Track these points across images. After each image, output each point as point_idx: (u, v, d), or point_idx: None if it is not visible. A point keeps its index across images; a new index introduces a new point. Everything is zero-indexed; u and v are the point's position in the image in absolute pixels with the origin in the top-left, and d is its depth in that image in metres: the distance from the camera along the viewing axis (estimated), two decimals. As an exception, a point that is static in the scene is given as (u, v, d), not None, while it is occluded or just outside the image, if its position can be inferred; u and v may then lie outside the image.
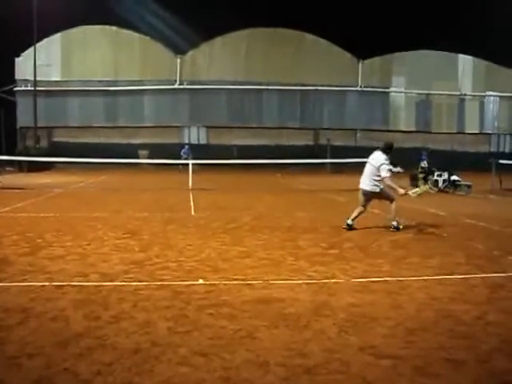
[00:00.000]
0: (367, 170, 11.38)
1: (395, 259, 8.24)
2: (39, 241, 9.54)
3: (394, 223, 11.29)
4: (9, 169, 31.92)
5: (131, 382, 3.85)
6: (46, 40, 43.26)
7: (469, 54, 47.88)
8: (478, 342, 4.70)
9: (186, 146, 36.47)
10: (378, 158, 11.25)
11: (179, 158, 32.02)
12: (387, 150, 11.51)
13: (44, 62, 42.27)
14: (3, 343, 4.58)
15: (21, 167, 33.57)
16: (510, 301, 6.06)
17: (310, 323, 5.15)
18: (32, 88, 40.09)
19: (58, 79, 44.92)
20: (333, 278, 6.97)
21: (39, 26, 37.58)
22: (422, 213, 14.63)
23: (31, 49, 39.68)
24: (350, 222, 11.30)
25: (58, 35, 44.58)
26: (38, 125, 40.06)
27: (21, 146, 40.95)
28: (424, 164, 23.40)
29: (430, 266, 7.76)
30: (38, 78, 39.65)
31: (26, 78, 42.63)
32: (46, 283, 6.51)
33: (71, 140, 42.92)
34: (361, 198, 11.50)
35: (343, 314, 5.46)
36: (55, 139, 44.10)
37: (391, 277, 7.08)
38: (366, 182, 11.34)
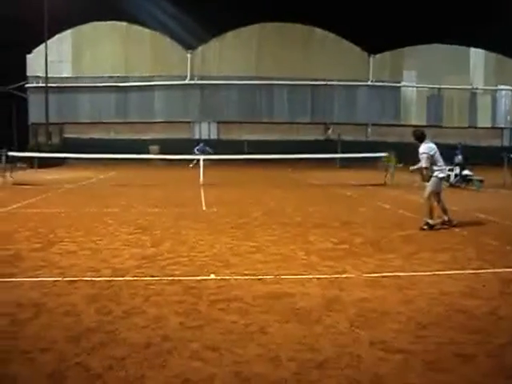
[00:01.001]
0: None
1: (406, 254, 8.22)
2: (51, 236, 9.61)
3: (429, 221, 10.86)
4: (20, 165, 32.04)
5: (143, 376, 3.87)
6: (56, 36, 43.41)
7: (480, 48, 47.56)
8: (489, 337, 4.69)
9: (202, 143, 36.27)
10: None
11: (190, 154, 31.99)
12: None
13: (55, 58, 42.42)
14: (16, 338, 4.62)
15: (32, 163, 33.74)
16: (522, 296, 6.03)
17: (321, 318, 5.15)
18: (43, 84, 40.25)
19: (69, 75, 45.10)
20: (344, 273, 6.97)
21: (50, 23, 37.72)
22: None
23: (42, 45, 39.83)
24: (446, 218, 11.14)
25: (68, 32, 44.75)
26: (50, 121, 40.22)
27: (32, 142, 41.12)
28: (458, 159, 23.20)
29: (441, 261, 7.74)
30: (49, 75, 39.81)
31: (38, 74, 42.84)
32: (58, 278, 6.56)
33: (82, 136, 43.06)
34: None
35: (354, 308, 5.46)
36: (66, 135, 44.24)
37: (402, 272, 7.07)
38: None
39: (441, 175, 11.16)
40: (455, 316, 5.27)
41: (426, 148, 11.00)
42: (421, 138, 11.28)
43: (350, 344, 4.50)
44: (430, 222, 10.69)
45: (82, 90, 44.95)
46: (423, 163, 10.97)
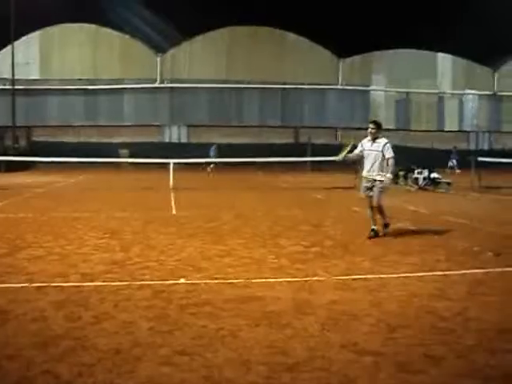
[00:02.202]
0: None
1: (375, 257, 8.28)
2: (18, 241, 9.45)
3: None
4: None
5: (112, 383, 3.82)
6: (24, 38, 42.82)
7: (448, 53, 48.29)
8: (459, 338, 4.73)
9: (214, 146, 35.85)
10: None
11: (159, 157, 31.83)
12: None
13: (22, 60, 41.84)
14: (-18, 345, 4.53)
15: (-1, 167, 33.24)
16: (490, 296, 6.11)
17: (292, 321, 5.15)
18: (10, 87, 39.67)
19: (36, 78, 44.55)
20: (314, 276, 6.99)
21: (17, 24, 37.14)
22: (401, 210, 14.71)
23: (9, 47, 39.24)
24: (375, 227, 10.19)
25: (36, 33, 44.20)
26: (17, 124, 39.67)
27: (-1, 145, 40.51)
28: (453, 163, 23.54)
29: (410, 263, 7.81)
30: (16, 77, 39.25)
31: (4, 76, 42.18)
32: (26, 284, 6.45)
33: (51, 139, 42.58)
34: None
35: (324, 311, 5.47)
36: (34, 138, 43.71)
37: (372, 274, 7.11)
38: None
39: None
40: (425, 318, 5.32)
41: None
42: (380, 128, 10.27)
43: (321, 347, 4.51)
44: (387, 221, 10.30)
45: (51, 93, 44.44)
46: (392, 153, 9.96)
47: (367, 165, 10.12)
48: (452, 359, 4.27)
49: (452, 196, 19.73)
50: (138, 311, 5.45)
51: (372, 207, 10.16)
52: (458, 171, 27.05)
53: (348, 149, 10.75)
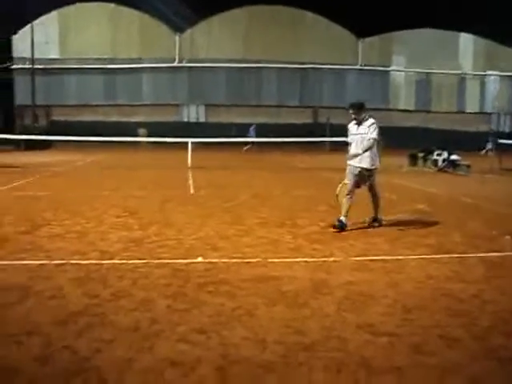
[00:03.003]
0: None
1: (393, 238, 8.27)
2: (37, 219, 9.54)
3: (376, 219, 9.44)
4: (7, 147, 31.82)
5: (131, 359, 3.88)
6: (43, 17, 42.89)
7: (469, 33, 47.58)
8: (474, 320, 4.73)
9: (253, 126, 35.85)
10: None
11: (177, 136, 31.92)
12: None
13: (41, 39, 41.92)
14: (3, 321, 4.61)
15: (19, 146, 33.49)
16: (506, 279, 6.09)
17: (308, 301, 5.18)
18: (29, 66, 39.82)
19: (55, 57, 44.67)
20: (331, 257, 7.00)
21: (36, 3, 37.18)
22: (420, 192, 14.64)
23: (28, 26, 39.33)
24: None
25: (55, 12, 44.23)
26: (36, 103, 39.90)
27: (19, 124, 40.80)
28: (490, 145, 23.44)
29: (427, 245, 7.79)
30: (35, 56, 39.38)
31: (23, 55, 42.32)
32: (45, 261, 6.53)
33: (70, 118, 42.77)
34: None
35: (341, 292, 5.49)
36: (54, 118, 43.95)
37: (389, 255, 7.11)
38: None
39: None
40: (441, 299, 5.32)
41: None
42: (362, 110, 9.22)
43: (337, 327, 4.53)
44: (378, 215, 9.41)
45: (69, 72, 44.58)
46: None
47: (354, 151, 9.06)
48: (467, 341, 4.27)
49: (471, 178, 19.56)
50: (156, 289, 5.50)
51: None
52: (490, 154, 26.77)
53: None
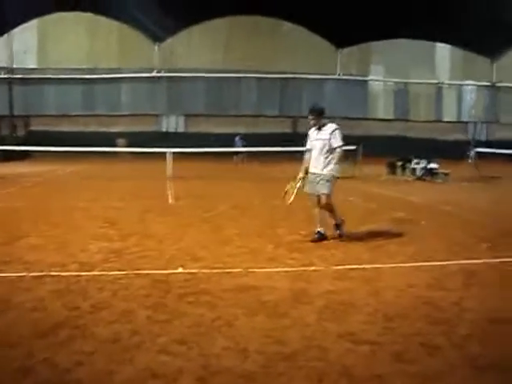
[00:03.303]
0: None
1: (373, 247, 8.31)
2: (16, 231, 9.45)
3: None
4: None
5: (112, 371, 3.86)
6: (21, 27, 42.58)
7: (446, 43, 48.15)
8: (454, 328, 4.78)
9: (238, 136, 35.79)
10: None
11: (156, 147, 31.82)
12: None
13: (20, 49, 41.64)
14: (-19, 334, 4.56)
15: (-3, 156, 33.13)
16: (485, 287, 6.16)
17: (289, 311, 5.18)
18: (8, 76, 39.49)
19: (34, 67, 44.35)
20: (311, 266, 7.02)
21: (14, 13, 36.90)
22: (399, 201, 14.76)
23: (6, 35, 39.02)
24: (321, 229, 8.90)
25: (33, 22, 43.91)
26: (15, 113, 39.56)
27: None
28: (471, 154, 23.77)
29: (407, 254, 7.84)
30: (13, 66, 39.07)
31: (2, 65, 41.98)
32: (24, 273, 6.47)
33: (48, 128, 42.40)
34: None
35: (322, 301, 5.50)
36: (32, 128, 43.56)
37: (369, 264, 7.15)
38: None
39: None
40: (421, 307, 5.36)
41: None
42: (322, 115, 8.90)
43: (318, 336, 4.55)
44: (339, 221, 8.96)
45: (48, 82, 44.22)
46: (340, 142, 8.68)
47: (314, 157, 8.75)
48: (447, 349, 4.31)
49: (450, 186, 19.76)
50: (137, 300, 5.47)
51: (320, 206, 8.77)
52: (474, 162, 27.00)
53: (296, 187, 9.07)
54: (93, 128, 43.27)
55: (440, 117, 49.76)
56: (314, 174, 8.73)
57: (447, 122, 49.49)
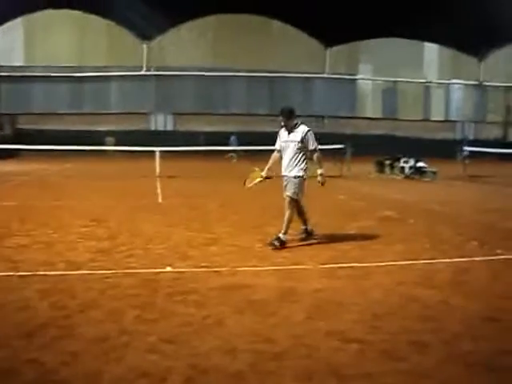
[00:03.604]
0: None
1: (361, 245, 8.33)
2: (2, 230, 9.39)
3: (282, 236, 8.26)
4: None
5: (99, 370, 3.83)
6: (7, 24, 42.31)
7: (434, 42, 48.41)
8: (443, 326, 4.79)
9: (233, 136, 35.83)
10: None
11: (145, 145, 31.74)
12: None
13: (6, 46, 41.38)
14: (-33, 334, 4.51)
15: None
16: (473, 285, 6.18)
17: (277, 309, 5.18)
18: (-6, 73, 39.28)
19: (21, 64, 44.10)
20: (300, 264, 7.02)
21: (0, 10, 36.65)
22: (387, 199, 14.80)
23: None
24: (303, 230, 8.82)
25: (20, 19, 43.68)
26: (1, 111, 39.29)
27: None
28: (464, 153, 23.88)
29: (395, 252, 7.87)
30: (0, 63, 38.81)
31: (-13, 63, 41.73)
32: (11, 273, 6.42)
33: (36, 127, 42.17)
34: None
35: (310, 299, 5.50)
36: (19, 126, 43.30)
37: (357, 262, 7.15)
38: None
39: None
40: (409, 305, 5.37)
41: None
42: (292, 116, 8.49)
43: (306, 335, 4.54)
44: (282, 236, 8.22)
45: (35, 80, 44.00)
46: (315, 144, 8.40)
47: (285, 160, 8.43)
48: (436, 346, 4.32)
49: (438, 185, 19.85)
50: (125, 299, 5.45)
51: (298, 209, 8.53)
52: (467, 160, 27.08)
53: (259, 178, 8.87)
54: (81, 126, 43.08)
55: (428, 116, 50.06)
56: (285, 176, 8.45)
57: (435, 120, 49.76)
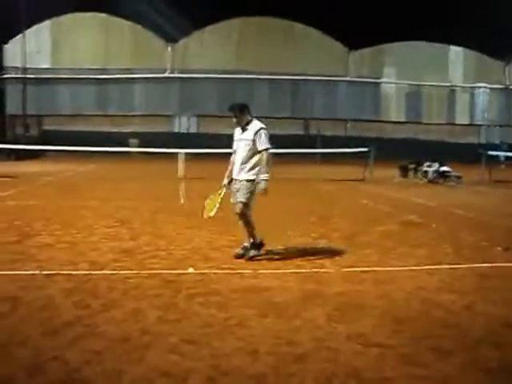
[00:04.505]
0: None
1: (383, 249, 8.28)
2: (28, 229, 9.51)
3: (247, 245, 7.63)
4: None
5: (121, 370, 3.86)
6: (35, 27, 42.89)
7: (459, 46, 47.96)
8: (465, 332, 4.75)
9: None
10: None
11: (168, 147, 31.89)
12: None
13: (33, 49, 41.93)
14: (-8, 331, 4.58)
15: (9, 155, 33.35)
16: (497, 291, 6.11)
17: (299, 312, 5.17)
18: (21, 75, 39.77)
19: (47, 67, 44.64)
20: (322, 268, 7.00)
21: (28, 13, 37.16)
22: (410, 203, 14.70)
23: (20, 35, 39.31)
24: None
25: (47, 22, 44.24)
26: (28, 113, 39.81)
27: (10, 134, 40.65)
28: (501, 156, 23.70)
29: (418, 256, 7.81)
30: (27, 66, 39.34)
31: (15, 65, 42.26)
32: (36, 271, 6.50)
33: (61, 128, 42.66)
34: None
35: (332, 303, 5.49)
36: (45, 127, 43.85)
37: (380, 267, 7.12)
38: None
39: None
40: (432, 311, 5.33)
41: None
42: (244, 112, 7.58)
43: (328, 338, 4.53)
44: (256, 240, 7.64)
45: (61, 82, 44.56)
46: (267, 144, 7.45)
47: (237, 161, 7.57)
48: (457, 353, 4.28)
49: (462, 190, 19.66)
50: (147, 300, 5.48)
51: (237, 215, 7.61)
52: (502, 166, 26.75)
53: (219, 197, 7.79)
54: (105, 128, 43.48)
55: (452, 119, 49.57)
56: (235, 180, 7.59)
57: (460, 124, 49.29)
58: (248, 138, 7.39)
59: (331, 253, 7.97)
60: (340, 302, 5.54)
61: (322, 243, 8.73)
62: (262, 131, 7.37)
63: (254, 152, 7.37)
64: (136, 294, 5.71)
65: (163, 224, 10.43)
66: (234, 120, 7.57)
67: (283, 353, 4.20)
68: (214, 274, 6.59)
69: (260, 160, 7.37)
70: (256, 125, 7.45)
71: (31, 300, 5.42)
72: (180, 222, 10.77)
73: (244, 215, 7.49)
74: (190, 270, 6.74)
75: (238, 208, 7.43)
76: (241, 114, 7.49)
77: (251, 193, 7.44)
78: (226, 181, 7.85)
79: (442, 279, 6.52)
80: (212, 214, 7.67)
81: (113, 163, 31.12)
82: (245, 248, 7.61)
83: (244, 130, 7.51)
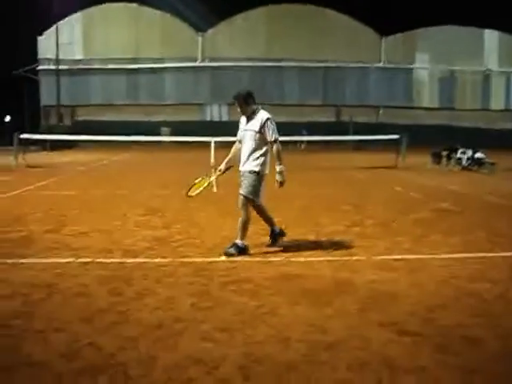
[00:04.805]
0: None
1: (416, 237, 8.22)
2: (63, 218, 9.68)
3: (232, 249, 7.07)
4: (32, 147, 32.20)
5: (155, 356, 3.92)
6: (67, 18, 43.36)
7: (495, 29, 47.02)
8: (498, 320, 4.70)
9: (304, 131, 36.71)
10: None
11: (200, 135, 32.04)
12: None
13: (66, 40, 42.40)
14: (30, 318, 4.68)
15: (44, 146, 33.87)
16: (533, 279, 6.03)
17: (331, 300, 5.17)
18: (55, 67, 40.26)
19: (80, 58, 45.11)
20: (354, 256, 6.98)
21: (61, 5, 37.58)
22: (443, 191, 14.53)
23: (53, 27, 39.78)
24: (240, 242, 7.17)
25: (79, 13, 44.66)
26: (61, 103, 40.32)
27: (44, 124, 41.27)
28: None
29: (452, 244, 7.73)
30: (60, 57, 39.81)
31: (49, 56, 42.83)
32: (71, 259, 6.62)
33: (94, 118, 43.16)
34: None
35: (364, 291, 5.48)
36: (78, 117, 44.39)
37: (412, 254, 7.07)
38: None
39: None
40: (464, 299, 5.28)
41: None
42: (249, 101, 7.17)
43: (360, 326, 4.53)
44: (239, 243, 7.14)
45: (93, 72, 45.02)
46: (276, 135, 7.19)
47: (243, 152, 7.32)
48: (491, 341, 4.24)
49: (496, 177, 19.35)
50: (180, 287, 5.54)
51: (259, 211, 7.52)
52: None
53: (205, 184, 8.04)
54: (137, 117, 43.83)
55: (487, 105, 48.71)
56: (240, 171, 7.37)
57: (495, 110, 48.41)
58: (253, 129, 7.09)
59: (363, 241, 7.94)
60: (372, 290, 5.52)
61: (354, 231, 8.69)
62: (268, 122, 7.06)
63: (260, 143, 7.09)
64: (169, 281, 5.77)
65: (195, 212, 10.49)
66: (239, 110, 7.24)
67: (315, 340, 4.21)
68: (246, 261, 6.63)
69: (276, 151, 7.15)
70: (262, 115, 7.11)
71: (67, 287, 5.53)
72: (212, 210, 10.83)
73: (247, 209, 7.28)
74: (222, 257, 6.78)
75: (240, 201, 7.29)
76: (245, 103, 7.13)
77: (255, 186, 7.17)
78: (222, 166, 7.75)
79: (475, 267, 6.45)
80: (193, 194, 7.83)
81: (145, 152, 31.36)
82: (272, 234, 7.61)
83: (249, 119, 7.19)
